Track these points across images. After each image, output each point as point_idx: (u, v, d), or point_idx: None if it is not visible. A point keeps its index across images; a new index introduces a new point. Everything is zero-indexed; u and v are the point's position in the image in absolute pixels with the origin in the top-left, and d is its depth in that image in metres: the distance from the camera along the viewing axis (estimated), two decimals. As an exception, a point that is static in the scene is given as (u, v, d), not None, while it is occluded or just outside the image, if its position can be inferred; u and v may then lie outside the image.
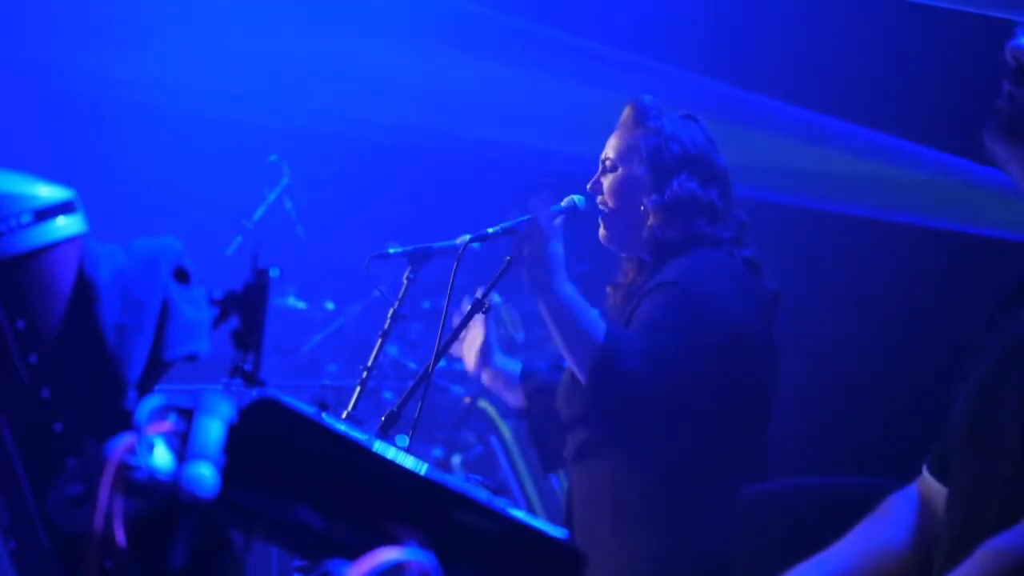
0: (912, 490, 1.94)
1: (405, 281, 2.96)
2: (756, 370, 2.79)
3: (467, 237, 2.84)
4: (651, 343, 2.65)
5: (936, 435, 1.90)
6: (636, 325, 2.71)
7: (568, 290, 2.67)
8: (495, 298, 2.90)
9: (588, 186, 2.93)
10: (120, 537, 1.03)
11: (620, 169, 2.89)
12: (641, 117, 2.90)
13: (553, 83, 5.83)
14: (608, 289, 2.98)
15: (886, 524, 1.92)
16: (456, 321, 2.90)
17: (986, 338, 1.80)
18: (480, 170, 5.98)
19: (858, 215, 4.84)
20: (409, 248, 2.98)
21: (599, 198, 2.91)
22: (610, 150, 2.92)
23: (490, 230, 2.85)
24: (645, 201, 2.84)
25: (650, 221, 2.84)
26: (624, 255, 2.95)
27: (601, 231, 2.92)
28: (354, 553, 1.06)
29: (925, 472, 1.92)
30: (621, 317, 2.81)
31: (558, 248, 2.67)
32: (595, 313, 2.69)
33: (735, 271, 2.79)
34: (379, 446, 1.10)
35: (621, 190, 2.88)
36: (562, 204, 2.87)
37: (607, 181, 2.90)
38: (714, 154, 2.88)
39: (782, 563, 1.93)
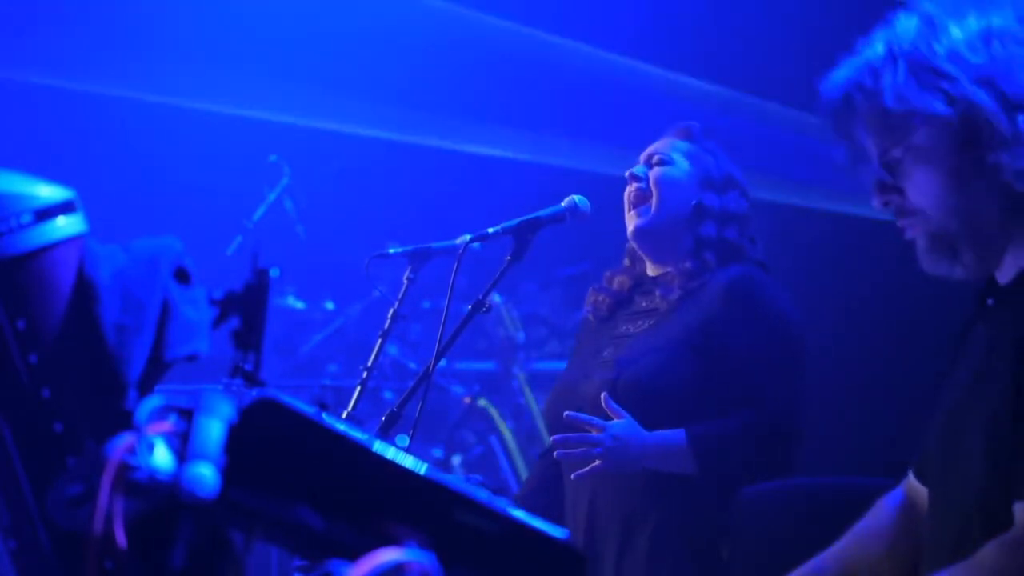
0: (899, 491, 1.98)
1: (405, 281, 2.96)
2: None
3: (467, 237, 2.84)
4: (784, 388, 2.75)
5: (920, 442, 1.93)
6: (751, 372, 2.75)
7: (653, 449, 2.69)
8: (495, 298, 2.89)
9: (627, 173, 2.94)
10: (120, 537, 1.03)
11: (676, 165, 2.93)
12: (695, 135, 2.99)
13: (553, 85, 5.84)
14: (614, 281, 2.99)
15: (873, 526, 1.97)
16: None
17: (955, 356, 1.84)
18: (480, 170, 5.99)
19: (858, 215, 4.84)
20: (409, 248, 2.98)
21: (634, 185, 2.93)
22: (662, 147, 2.96)
23: (490, 230, 2.85)
24: (703, 200, 2.89)
25: (704, 222, 2.89)
26: (644, 251, 2.96)
27: (636, 218, 2.92)
28: (354, 553, 1.05)
29: (911, 476, 1.96)
30: (635, 318, 2.85)
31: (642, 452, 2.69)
32: (678, 439, 2.70)
33: (776, 282, 2.89)
34: (379, 446, 1.10)
35: (676, 183, 2.91)
36: (563, 204, 2.87)
37: (659, 171, 2.93)
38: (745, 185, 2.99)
39: (782, 563, 1.93)
